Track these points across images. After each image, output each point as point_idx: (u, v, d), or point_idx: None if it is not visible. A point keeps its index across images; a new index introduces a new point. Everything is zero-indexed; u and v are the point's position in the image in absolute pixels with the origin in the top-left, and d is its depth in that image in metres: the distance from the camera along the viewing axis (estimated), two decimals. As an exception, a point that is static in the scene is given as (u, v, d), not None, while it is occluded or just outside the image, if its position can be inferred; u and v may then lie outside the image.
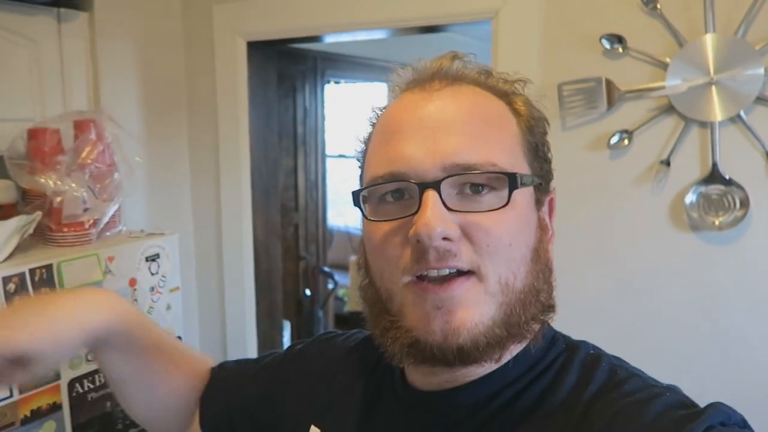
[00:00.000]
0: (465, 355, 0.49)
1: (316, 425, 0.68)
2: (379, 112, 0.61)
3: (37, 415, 1.19)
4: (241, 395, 0.78)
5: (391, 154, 0.53)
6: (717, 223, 1.22)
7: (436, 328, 0.49)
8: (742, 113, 1.18)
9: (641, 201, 1.29)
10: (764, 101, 1.16)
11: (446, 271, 0.50)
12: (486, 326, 0.50)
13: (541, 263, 0.55)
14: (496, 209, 0.51)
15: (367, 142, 0.61)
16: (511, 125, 0.56)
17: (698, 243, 1.26)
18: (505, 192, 0.51)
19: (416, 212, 0.50)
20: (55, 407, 1.22)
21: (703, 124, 1.22)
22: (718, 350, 1.26)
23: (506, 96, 0.57)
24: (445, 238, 0.49)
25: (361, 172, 0.62)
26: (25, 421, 1.17)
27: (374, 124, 0.61)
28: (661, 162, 1.26)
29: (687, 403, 0.48)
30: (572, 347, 0.57)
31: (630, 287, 1.33)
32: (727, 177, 1.20)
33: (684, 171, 1.25)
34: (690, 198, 1.24)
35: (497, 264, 0.50)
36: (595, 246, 1.36)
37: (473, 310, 0.50)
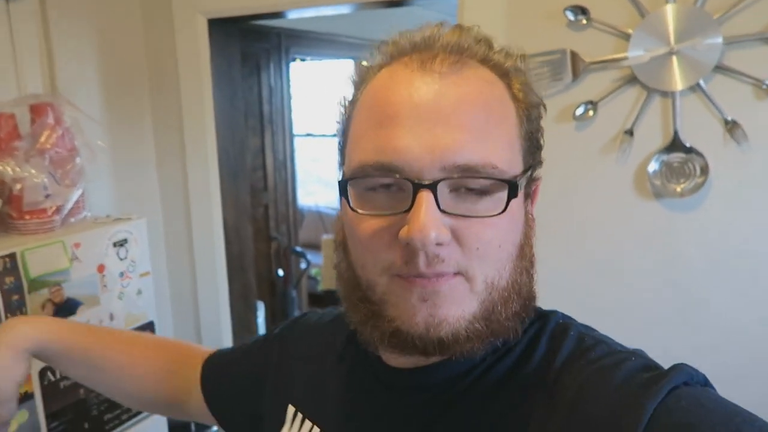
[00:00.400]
0: (445, 347, 0.50)
1: (292, 404, 0.68)
2: (364, 73, 0.56)
3: (8, 406, 1.17)
4: (231, 382, 0.80)
5: (383, 141, 0.49)
6: (679, 190, 1.26)
7: (420, 320, 0.49)
8: (701, 82, 1.20)
9: (606, 170, 1.32)
10: (722, 70, 1.19)
11: (433, 272, 0.49)
12: (467, 321, 0.50)
13: (525, 259, 0.54)
14: (491, 216, 0.49)
15: (350, 108, 0.56)
16: (511, 114, 0.53)
17: (662, 210, 1.29)
18: (501, 195, 0.49)
19: (408, 210, 0.48)
20: (27, 396, 1.20)
21: (665, 94, 1.24)
22: (681, 315, 1.31)
23: (506, 76, 0.54)
24: (437, 243, 0.48)
25: (342, 142, 0.58)
26: (-4, 412, 1.15)
27: (359, 85, 0.56)
28: (625, 132, 1.28)
29: (651, 366, 0.49)
30: (543, 317, 0.58)
31: (596, 255, 1.37)
32: (687, 145, 1.24)
33: (647, 140, 1.28)
34: (653, 166, 1.27)
35: (485, 266, 0.50)
36: (561, 215, 1.38)
37: (456, 306, 0.50)
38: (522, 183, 0.52)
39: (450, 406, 0.54)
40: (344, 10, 1.69)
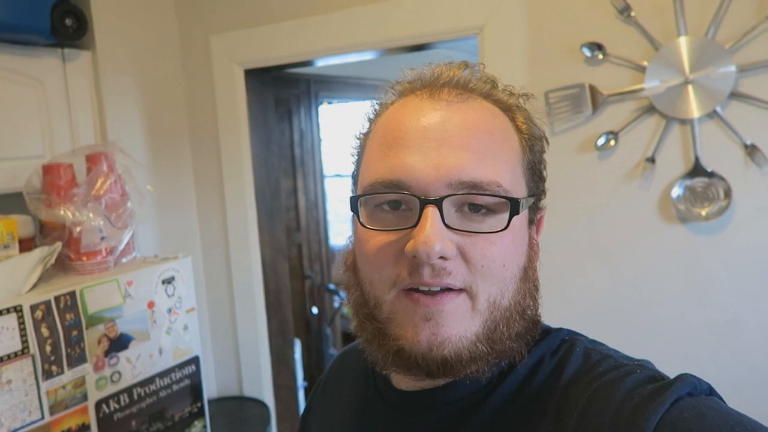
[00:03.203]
0: (448, 367, 0.50)
1: None
2: (379, 108, 0.60)
3: (68, 436, 1.24)
4: None
5: (393, 161, 0.52)
6: (704, 213, 1.29)
7: (423, 339, 0.50)
8: (718, 109, 1.25)
9: (630, 197, 1.36)
10: (738, 96, 1.23)
11: (437, 288, 0.50)
12: (470, 341, 0.51)
13: (529, 282, 0.55)
14: (495, 232, 0.51)
15: (364, 139, 0.60)
16: (514, 142, 0.55)
17: (687, 234, 1.32)
18: (505, 215, 0.51)
19: (414, 226, 0.49)
20: (84, 428, 1.27)
21: (683, 121, 1.29)
22: (714, 336, 1.32)
23: (510, 111, 0.57)
24: (441, 257, 0.49)
25: (356, 170, 0.60)
26: (57, 442, 1.22)
27: (373, 120, 0.60)
28: (647, 159, 1.33)
29: (656, 377, 0.49)
30: (549, 335, 0.58)
31: (623, 280, 1.39)
32: (709, 170, 1.27)
33: (669, 166, 1.32)
34: (676, 191, 1.31)
35: (489, 284, 0.51)
36: (588, 243, 1.42)
37: (459, 326, 0.50)
38: (525, 203, 0.54)
39: (458, 426, 0.55)
40: (369, 56, 1.78)
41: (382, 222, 0.53)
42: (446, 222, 0.50)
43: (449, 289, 0.50)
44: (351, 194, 0.61)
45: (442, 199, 0.49)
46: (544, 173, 0.60)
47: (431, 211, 0.49)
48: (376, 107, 0.61)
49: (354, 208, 0.55)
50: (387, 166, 0.52)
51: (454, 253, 0.50)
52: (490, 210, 0.52)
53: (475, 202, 0.51)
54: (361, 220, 0.54)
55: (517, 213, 0.51)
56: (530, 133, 0.58)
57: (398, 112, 0.56)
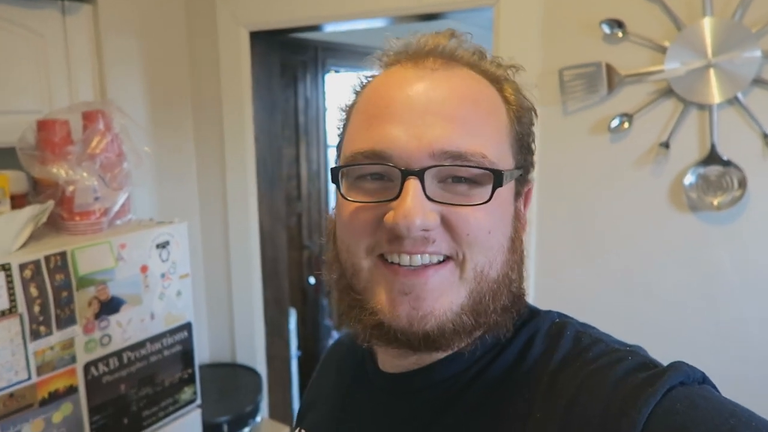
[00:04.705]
0: (430, 342, 0.49)
1: (301, 427, 0.69)
2: (365, 81, 0.58)
3: (55, 397, 1.23)
4: None
5: (375, 132, 0.50)
6: (716, 203, 1.25)
7: (402, 313, 0.48)
8: (739, 95, 1.20)
9: (642, 183, 1.32)
10: (761, 83, 1.18)
11: (419, 261, 0.49)
12: (454, 313, 0.49)
13: (516, 254, 0.54)
14: (478, 204, 0.49)
15: (349, 111, 0.58)
16: (501, 114, 0.54)
17: (697, 223, 1.28)
18: (489, 188, 0.49)
19: (395, 198, 0.48)
20: (72, 390, 1.26)
21: (702, 107, 1.24)
22: (716, 328, 1.29)
23: (498, 82, 0.55)
24: (423, 230, 0.47)
25: (340, 141, 0.59)
26: (43, 402, 1.20)
27: (359, 92, 0.58)
28: (661, 144, 1.28)
29: (648, 364, 0.48)
30: (539, 316, 0.57)
31: (631, 267, 1.36)
32: (725, 158, 1.23)
33: (683, 153, 1.27)
34: (689, 179, 1.27)
35: (476, 252, 0.49)
36: (596, 226, 1.38)
37: (444, 298, 0.49)
38: (509, 175, 0.52)
39: (446, 407, 0.53)
40: (379, 23, 1.73)
41: (364, 193, 0.51)
42: (428, 194, 0.48)
43: (432, 264, 0.49)
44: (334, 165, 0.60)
45: (424, 170, 0.48)
46: (533, 146, 0.58)
47: (412, 184, 0.47)
48: (362, 79, 0.58)
49: (335, 179, 0.53)
50: (369, 137, 0.51)
51: (437, 223, 0.48)
52: (475, 182, 0.50)
53: (458, 174, 0.49)
54: (342, 191, 0.53)
55: (501, 185, 0.50)
56: (518, 104, 0.55)
57: (382, 83, 0.54)
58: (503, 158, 0.52)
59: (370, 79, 0.57)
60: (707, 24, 1.20)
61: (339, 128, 0.60)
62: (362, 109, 0.54)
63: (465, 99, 0.51)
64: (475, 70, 0.54)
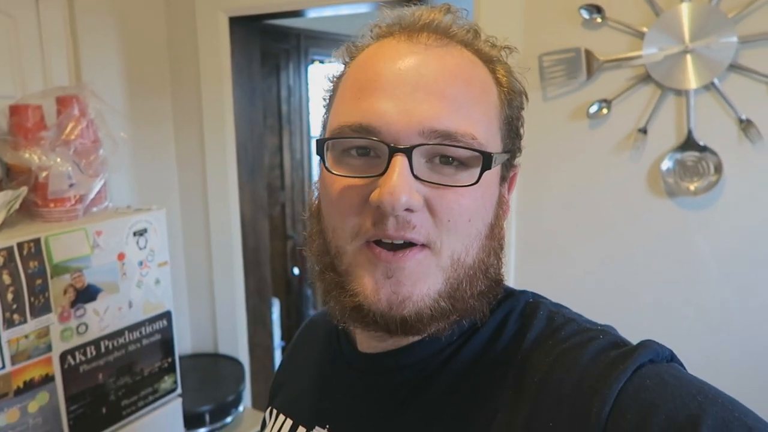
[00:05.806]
0: (408, 327, 0.49)
1: (273, 407, 0.69)
2: (354, 51, 0.56)
3: (30, 386, 1.21)
4: None
5: (363, 105, 0.49)
6: (692, 188, 1.26)
7: (383, 296, 0.48)
8: (716, 81, 1.21)
9: (620, 168, 1.33)
10: (737, 69, 1.19)
11: (401, 241, 0.48)
12: (432, 299, 0.49)
13: (495, 240, 0.53)
14: (464, 186, 0.48)
15: (337, 82, 0.56)
16: (492, 95, 0.53)
17: (674, 208, 1.30)
18: (477, 170, 0.49)
19: (382, 174, 0.47)
20: (48, 379, 1.24)
21: (679, 92, 1.25)
22: (695, 312, 1.31)
23: (491, 63, 0.54)
24: (407, 209, 0.47)
25: (326, 113, 0.57)
26: (18, 392, 1.19)
27: (348, 63, 0.56)
28: (639, 130, 1.29)
29: (619, 343, 0.48)
30: (513, 297, 0.57)
31: (609, 251, 1.37)
32: (701, 144, 1.24)
33: (660, 138, 1.28)
34: (666, 165, 1.28)
35: (453, 240, 0.49)
36: (574, 212, 1.39)
37: (421, 283, 0.49)
38: (498, 159, 0.51)
39: (421, 388, 0.54)
40: (363, 9, 1.71)
41: (350, 168, 0.50)
42: (415, 173, 0.47)
43: (412, 244, 0.48)
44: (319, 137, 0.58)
45: (412, 148, 0.47)
46: (522, 130, 0.57)
47: (400, 160, 0.46)
48: (352, 49, 0.56)
49: (320, 151, 0.52)
50: (357, 110, 0.49)
51: (421, 206, 0.48)
52: (462, 163, 0.49)
53: (447, 153, 0.48)
54: (327, 164, 0.51)
55: (489, 168, 0.49)
56: (510, 87, 0.55)
57: (373, 54, 0.53)
58: (492, 141, 0.51)
59: (359, 49, 0.56)
60: (685, 9, 1.20)
61: (325, 99, 0.58)
62: (351, 80, 0.53)
63: (457, 78, 0.50)
64: (469, 48, 0.53)
